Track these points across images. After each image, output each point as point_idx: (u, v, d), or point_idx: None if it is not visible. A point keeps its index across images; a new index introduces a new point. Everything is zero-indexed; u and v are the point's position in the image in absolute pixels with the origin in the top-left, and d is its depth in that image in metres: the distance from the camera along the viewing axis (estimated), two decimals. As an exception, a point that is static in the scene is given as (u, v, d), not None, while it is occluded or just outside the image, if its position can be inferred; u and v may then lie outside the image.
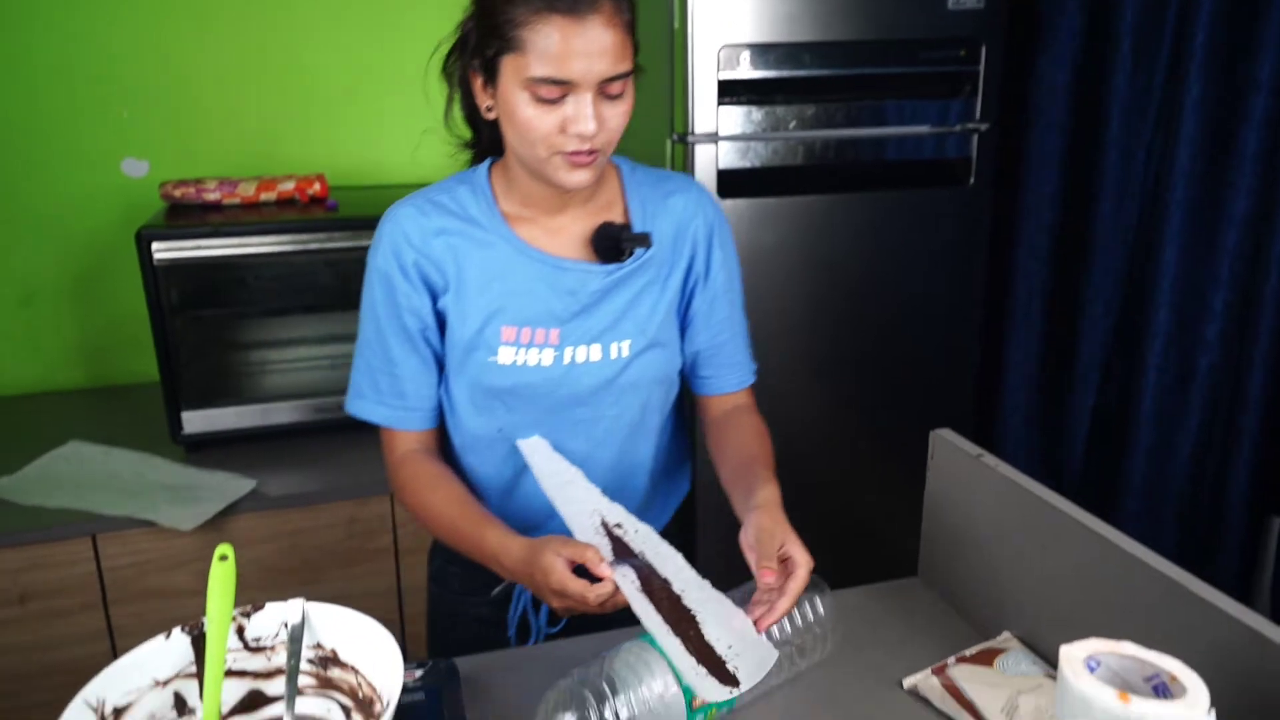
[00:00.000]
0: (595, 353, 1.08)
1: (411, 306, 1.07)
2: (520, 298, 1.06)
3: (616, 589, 0.92)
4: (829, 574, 1.18)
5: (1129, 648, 0.72)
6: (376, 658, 0.73)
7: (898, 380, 1.94)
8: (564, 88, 0.95)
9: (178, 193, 1.78)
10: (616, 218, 1.11)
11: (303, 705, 0.77)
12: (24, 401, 2.00)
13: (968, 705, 0.95)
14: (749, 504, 1.01)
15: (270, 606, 0.77)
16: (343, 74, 2.08)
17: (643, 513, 1.19)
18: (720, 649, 0.90)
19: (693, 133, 1.73)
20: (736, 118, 1.75)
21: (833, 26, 1.74)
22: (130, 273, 1.72)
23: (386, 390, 1.11)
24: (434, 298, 1.08)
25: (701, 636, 0.90)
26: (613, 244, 1.08)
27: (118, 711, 0.70)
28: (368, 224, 1.72)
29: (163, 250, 1.61)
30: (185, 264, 1.65)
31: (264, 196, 1.82)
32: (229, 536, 1.60)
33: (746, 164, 1.79)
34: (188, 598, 1.60)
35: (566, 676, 0.89)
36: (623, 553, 0.96)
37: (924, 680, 1.00)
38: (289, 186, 1.84)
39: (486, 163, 1.12)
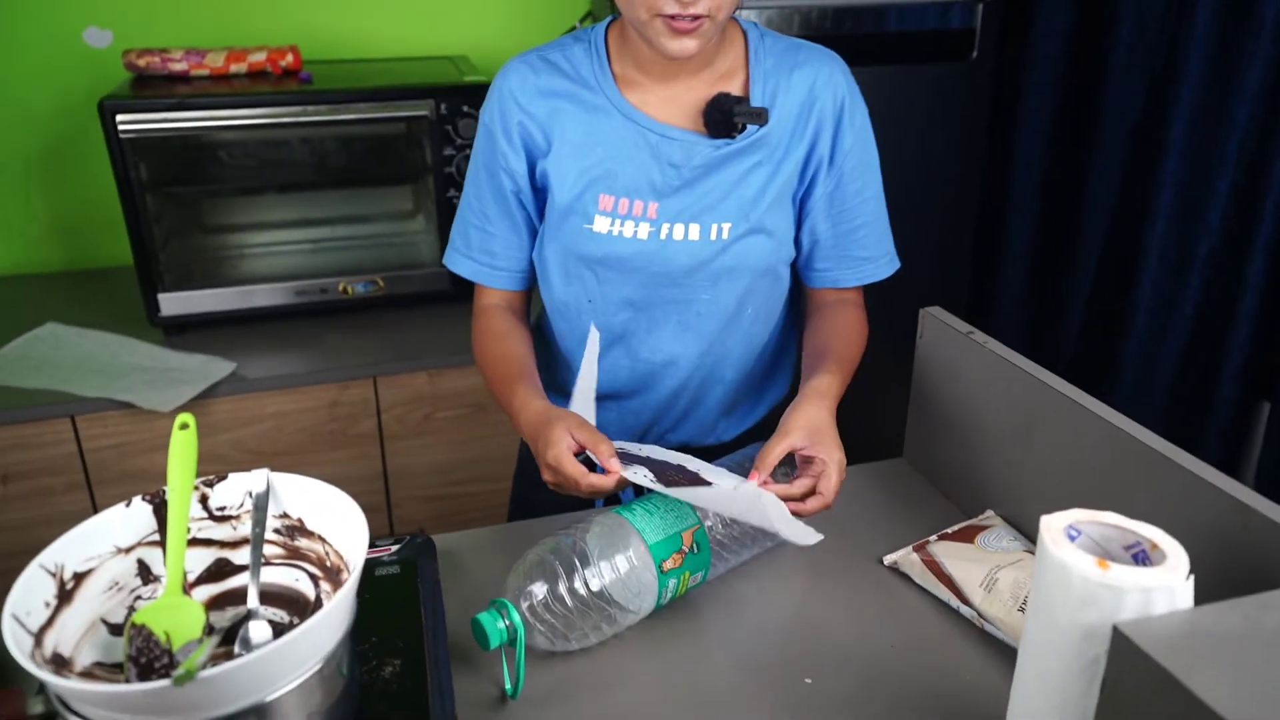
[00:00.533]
0: (694, 231, 1.03)
1: (508, 167, 1.05)
2: (621, 165, 1.02)
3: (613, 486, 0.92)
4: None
5: (1110, 517, 0.71)
6: (343, 526, 0.72)
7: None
8: None
9: (142, 62, 1.70)
10: (735, 89, 1.04)
11: (271, 574, 0.75)
12: (3, 284, 1.96)
13: (946, 580, 0.94)
14: (801, 391, 1.01)
15: (234, 476, 0.75)
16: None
17: (727, 412, 1.18)
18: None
19: None
20: (729, -16, 1.65)
21: (833, -116, 1.63)
22: (100, 150, 1.65)
23: (477, 246, 1.11)
24: (534, 161, 1.05)
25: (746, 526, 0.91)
26: (724, 117, 1.01)
27: (78, 576, 0.68)
28: (343, 98, 1.66)
29: (128, 122, 1.54)
30: (152, 137, 1.59)
31: (234, 68, 1.74)
32: (209, 419, 1.58)
33: (739, 35, 1.70)
34: (172, 479, 1.60)
35: (537, 546, 0.89)
36: (628, 460, 0.95)
37: (904, 557, 1.00)
38: (260, 58, 1.75)
39: (606, 20, 1.07)
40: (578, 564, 0.86)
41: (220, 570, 0.75)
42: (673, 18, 0.92)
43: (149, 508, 0.73)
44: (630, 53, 1.03)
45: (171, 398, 1.51)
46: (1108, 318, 1.86)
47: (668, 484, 0.90)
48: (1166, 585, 0.63)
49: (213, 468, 1.60)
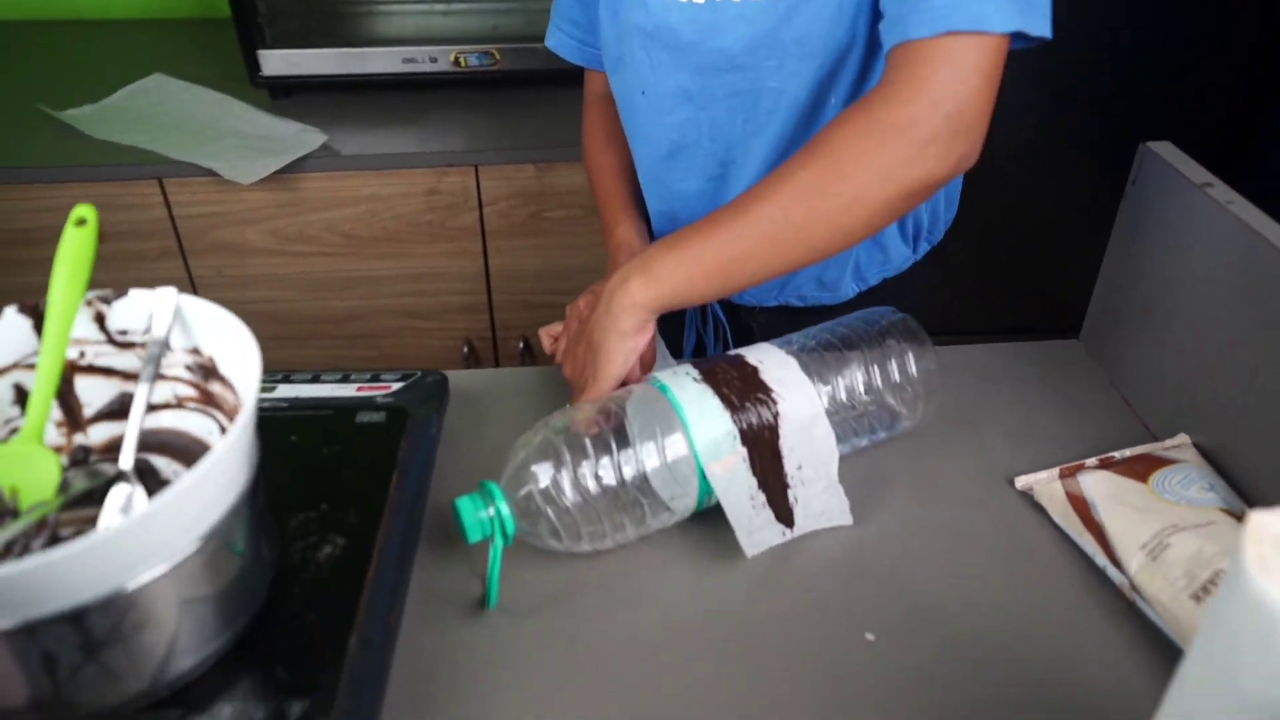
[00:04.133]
0: None
1: None
2: None
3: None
4: (969, 316, 0.89)
5: (1379, 531, 0.43)
6: (246, 371, 0.54)
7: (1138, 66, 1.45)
8: None
9: None
10: None
11: (183, 420, 0.61)
12: (128, 26, 1.87)
13: (1095, 528, 0.68)
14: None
15: (136, 293, 0.59)
16: None
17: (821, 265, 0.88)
18: (789, 466, 0.69)
19: None
20: None
21: None
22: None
23: (567, 15, 0.95)
24: None
25: (776, 439, 0.68)
26: None
27: (-75, 403, 0.55)
28: None
29: None
30: None
31: None
32: (297, 196, 1.46)
33: None
34: (263, 256, 1.51)
35: (553, 415, 0.69)
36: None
37: (1044, 485, 0.74)
38: None
39: None
40: (612, 442, 0.67)
41: (127, 406, 0.61)
42: None
43: (28, 322, 0.58)
44: None
45: (255, 169, 1.38)
46: None
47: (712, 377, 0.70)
48: None
49: (305, 248, 1.49)
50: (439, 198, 1.49)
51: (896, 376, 0.74)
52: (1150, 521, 0.66)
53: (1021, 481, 0.75)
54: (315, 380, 0.80)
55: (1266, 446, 0.69)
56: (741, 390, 0.69)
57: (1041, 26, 0.66)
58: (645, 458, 0.66)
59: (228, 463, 0.50)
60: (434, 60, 1.55)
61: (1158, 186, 0.80)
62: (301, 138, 1.45)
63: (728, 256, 0.70)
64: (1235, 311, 0.72)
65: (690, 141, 0.84)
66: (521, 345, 1.64)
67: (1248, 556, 0.40)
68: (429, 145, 1.47)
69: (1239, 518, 0.65)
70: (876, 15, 0.73)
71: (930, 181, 0.67)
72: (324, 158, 1.43)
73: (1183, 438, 0.76)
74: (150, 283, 0.59)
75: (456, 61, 1.55)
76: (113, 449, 0.60)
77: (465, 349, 1.64)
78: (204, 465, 0.47)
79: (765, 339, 0.76)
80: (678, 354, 1.00)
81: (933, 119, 0.64)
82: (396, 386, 0.79)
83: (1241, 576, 0.40)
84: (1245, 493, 0.70)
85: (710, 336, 0.99)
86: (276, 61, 1.53)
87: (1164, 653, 0.62)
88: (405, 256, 1.54)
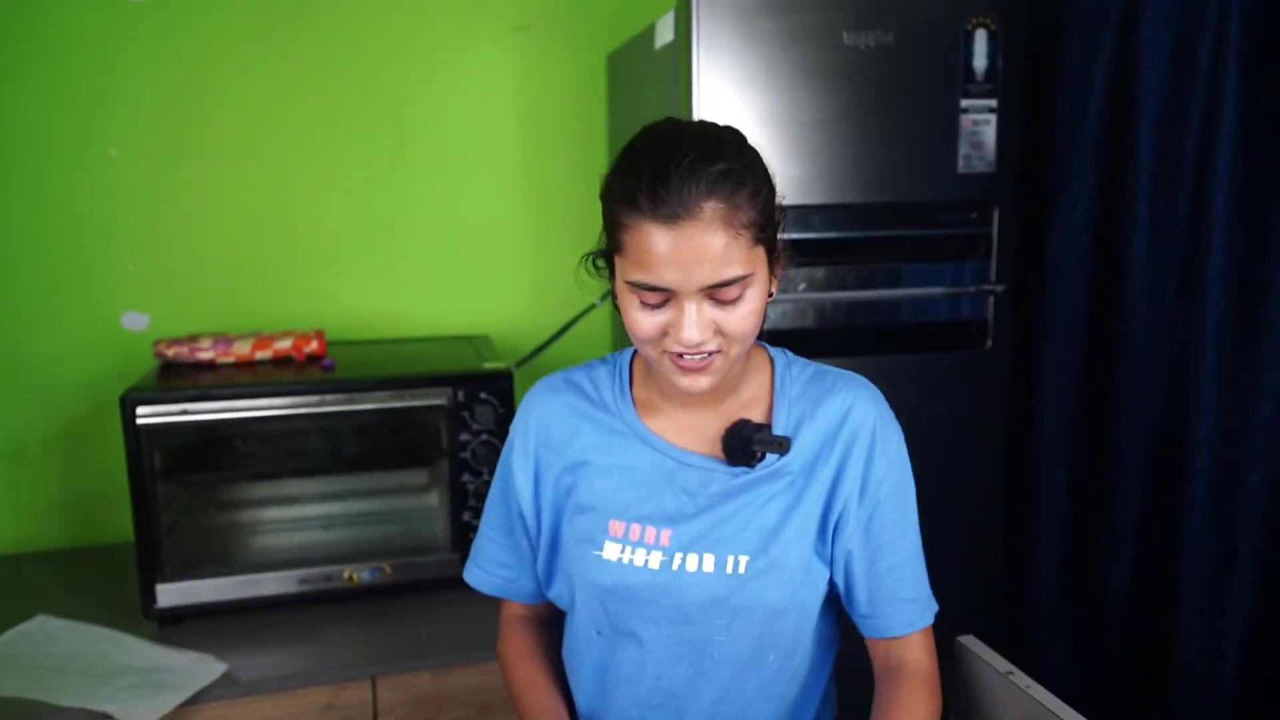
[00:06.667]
0: (708, 563, 0.97)
1: (517, 489, 1.06)
2: (634, 491, 1.00)
3: None
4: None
5: None
6: None
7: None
8: (663, 294, 0.88)
9: (170, 352, 1.74)
10: (758, 416, 1.01)
11: None
12: (1, 564, 1.91)
13: None
14: None
15: None
16: (348, 224, 2.07)
17: None
18: None
19: (698, 295, 1.68)
20: (743, 280, 1.70)
21: (842, 189, 1.70)
22: (116, 430, 1.66)
23: (487, 556, 1.12)
24: (542, 484, 1.05)
25: None
26: (742, 444, 0.98)
27: None
28: (361, 387, 1.68)
29: (147, 415, 1.55)
30: (170, 428, 1.59)
31: (259, 355, 1.77)
32: (193, 728, 1.47)
33: (754, 326, 1.73)
34: (147, 795, 1.47)
35: None
36: None
37: None
38: (286, 344, 1.79)
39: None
40: None
41: None
42: (680, 355, 0.91)
43: None
44: (652, 378, 1.03)
45: (154, 708, 1.41)
46: (1157, 608, 1.75)
47: None
48: None
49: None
50: (335, 712, 1.54)
51: None
52: None
53: None
54: None
55: None
56: None
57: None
58: None
59: None
60: (328, 579, 1.69)
61: (974, 674, 1.04)
62: (199, 668, 1.50)
63: None
64: (1057, 777, 0.92)
65: (636, 677, 1.01)
66: None
67: None
68: (325, 661, 1.55)
69: None
70: (817, 585, 0.99)
71: None
72: (223, 686, 1.48)
73: None
74: None
75: (350, 579, 1.70)
76: None
77: None
78: None
79: None
80: None
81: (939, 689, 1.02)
82: None
83: None
84: None
85: None
86: (174, 594, 1.62)
87: None
88: (294, 780, 1.54)
